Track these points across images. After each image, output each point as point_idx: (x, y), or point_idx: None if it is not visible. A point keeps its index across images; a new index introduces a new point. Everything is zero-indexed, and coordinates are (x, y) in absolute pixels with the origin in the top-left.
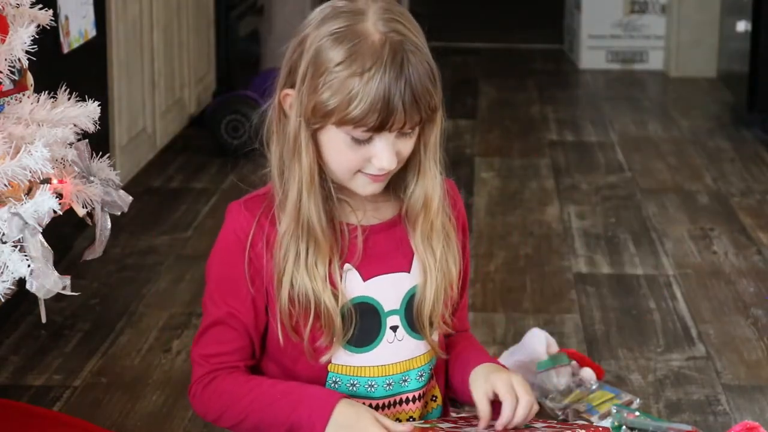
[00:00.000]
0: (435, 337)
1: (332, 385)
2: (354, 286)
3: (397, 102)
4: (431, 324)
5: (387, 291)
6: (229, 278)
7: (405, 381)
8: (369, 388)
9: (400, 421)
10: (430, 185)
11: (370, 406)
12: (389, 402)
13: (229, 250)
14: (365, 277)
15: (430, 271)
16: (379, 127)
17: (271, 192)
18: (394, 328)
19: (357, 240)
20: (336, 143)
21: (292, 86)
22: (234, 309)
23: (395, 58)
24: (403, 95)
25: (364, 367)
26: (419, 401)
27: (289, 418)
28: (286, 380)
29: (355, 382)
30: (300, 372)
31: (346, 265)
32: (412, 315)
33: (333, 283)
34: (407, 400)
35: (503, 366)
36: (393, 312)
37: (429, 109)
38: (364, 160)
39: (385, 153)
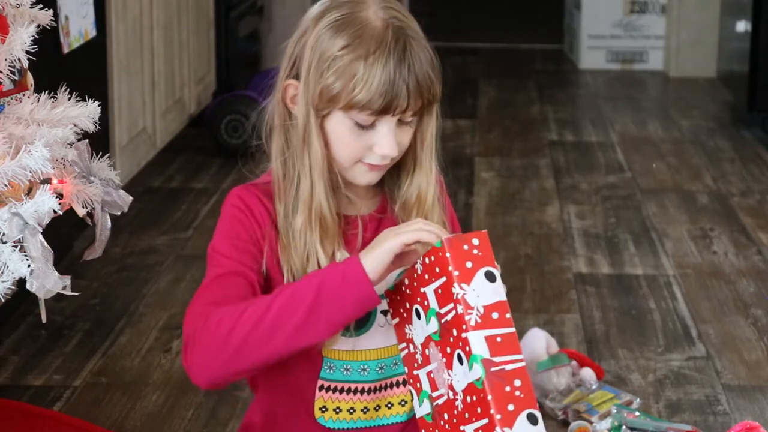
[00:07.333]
0: None
1: (327, 370)
2: None
3: (401, 85)
4: None
5: None
6: (241, 240)
7: (395, 364)
8: (362, 372)
9: (391, 405)
10: (425, 180)
11: (363, 390)
12: (380, 385)
13: (240, 219)
14: None
15: None
16: (384, 110)
17: (271, 181)
18: (385, 312)
19: (357, 231)
20: (341, 130)
21: (295, 77)
22: (246, 266)
23: (398, 43)
24: (406, 79)
25: (357, 351)
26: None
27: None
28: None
29: (348, 367)
30: (294, 357)
31: (339, 252)
32: None
33: None
34: (397, 384)
35: None
36: (382, 296)
37: (431, 95)
38: (366, 147)
39: (386, 139)
